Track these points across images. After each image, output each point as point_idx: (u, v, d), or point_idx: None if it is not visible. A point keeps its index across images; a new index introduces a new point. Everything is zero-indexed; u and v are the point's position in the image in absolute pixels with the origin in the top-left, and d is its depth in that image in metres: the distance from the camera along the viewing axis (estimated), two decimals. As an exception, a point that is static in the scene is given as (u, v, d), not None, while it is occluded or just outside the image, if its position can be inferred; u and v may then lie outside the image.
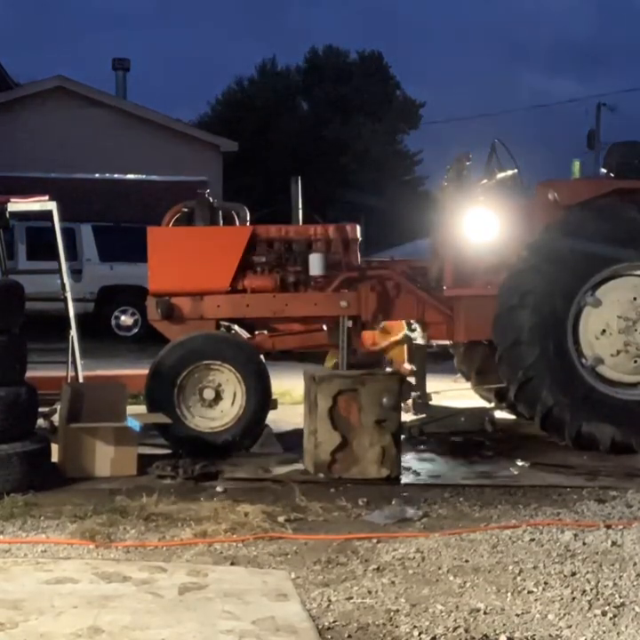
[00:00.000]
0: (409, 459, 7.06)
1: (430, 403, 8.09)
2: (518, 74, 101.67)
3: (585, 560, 4.69)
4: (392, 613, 3.96)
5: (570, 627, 3.82)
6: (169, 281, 7.81)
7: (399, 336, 8.43)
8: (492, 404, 8.93)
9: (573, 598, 4.13)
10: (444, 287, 8.04)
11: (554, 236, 7.57)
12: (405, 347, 8.42)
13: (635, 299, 7.58)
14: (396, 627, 3.82)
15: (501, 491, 6.23)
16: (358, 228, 8.23)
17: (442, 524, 5.42)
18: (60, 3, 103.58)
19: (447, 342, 8.57)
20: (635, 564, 4.63)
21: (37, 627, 3.68)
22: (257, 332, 8.04)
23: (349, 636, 3.75)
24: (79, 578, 4.28)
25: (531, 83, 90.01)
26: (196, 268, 7.78)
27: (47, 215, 8.30)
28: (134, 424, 6.63)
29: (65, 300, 8.28)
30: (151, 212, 9.84)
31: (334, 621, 3.88)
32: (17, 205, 8.24)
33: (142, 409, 7.52)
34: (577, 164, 8.29)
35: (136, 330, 17.20)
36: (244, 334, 7.96)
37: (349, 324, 7.25)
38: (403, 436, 6.92)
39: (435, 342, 8.48)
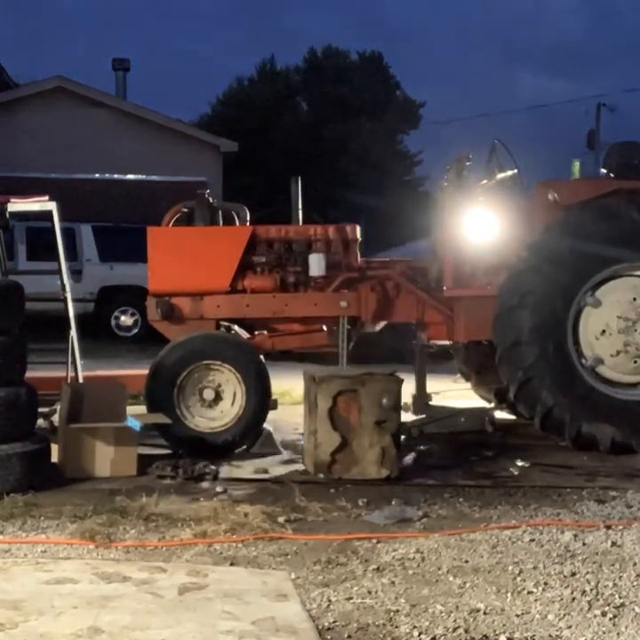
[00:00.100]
0: (409, 459, 7.06)
1: (430, 403, 8.09)
2: (518, 74, 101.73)
3: (585, 560, 4.69)
4: (392, 614, 3.96)
5: (570, 627, 3.82)
6: (169, 281, 7.81)
7: None
8: (492, 404, 8.94)
9: (573, 599, 4.13)
10: (444, 287, 8.04)
11: (554, 236, 7.57)
12: None
13: (635, 299, 7.58)
14: (396, 627, 3.82)
15: (501, 491, 6.23)
16: (358, 228, 8.24)
17: (442, 524, 5.42)
18: (60, 3, 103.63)
19: (447, 343, 8.57)
20: (635, 564, 4.63)
21: (37, 627, 3.68)
22: (257, 332, 8.04)
23: (349, 637, 3.75)
24: (79, 578, 4.28)
25: (531, 83, 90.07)
26: (195, 268, 7.78)
27: (47, 215, 8.30)
28: (134, 424, 6.63)
29: (65, 300, 8.28)
30: (151, 212, 9.83)
31: (334, 621, 3.88)
32: (17, 205, 8.24)
33: (142, 409, 7.52)
34: (577, 164, 8.29)
35: (136, 330, 17.20)
36: (244, 334, 7.96)
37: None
38: (402, 437, 6.92)
39: (434, 342, 8.47)
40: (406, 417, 7.47)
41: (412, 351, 8.29)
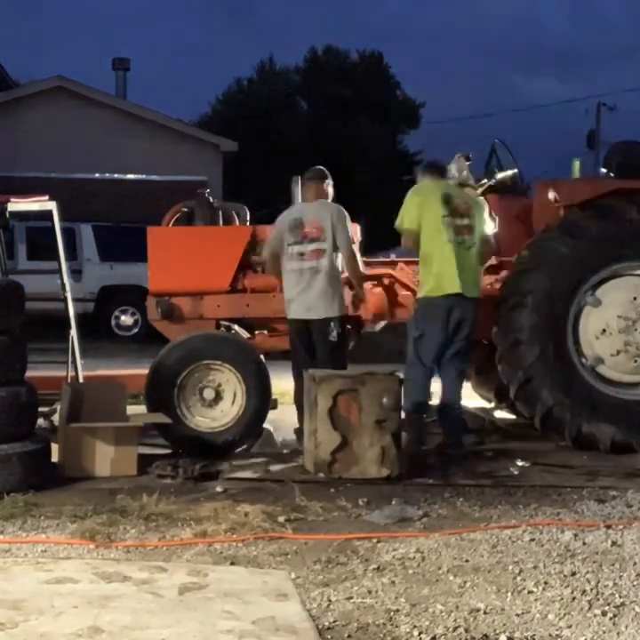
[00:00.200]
0: (409, 458, 7.05)
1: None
2: (518, 74, 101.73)
3: (585, 560, 4.69)
4: (392, 613, 3.96)
5: (570, 626, 3.82)
6: (169, 281, 7.81)
7: None
8: (492, 404, 8.95)
9: (573, 598, 4.13)
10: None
11: (554, 236, 7.57)
12: None
13: (635, 299, 7.58)
14: (396, 626, 3.82)
15: (501, 491, 6.22)
16: (358, 228, 8.23)
17: (442, 523, 5.42)
18: (60, 2, 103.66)
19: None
20: (635, 563, 4.63)
21: (37, 627, 3.68)
22: (257, 332, 8.04)
23: (349, 636, 3.75)
24: (79, 578, 4.28)
25: (531, 83, 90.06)
26: (196, 268, 7.78)
27: (47, 215, 8.29)
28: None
29: (65, 300, 8.28)
30: (151, 212, 9.84)
31: (334, 621, 3.88)
32: (17, 205, 8.24)
33: (142, 409, 7.52)
34: (577, 164, 8.30)
35: (136, 330, 17.22)
36: (244, 334, 7.96)
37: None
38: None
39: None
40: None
41: None
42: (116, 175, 21.28)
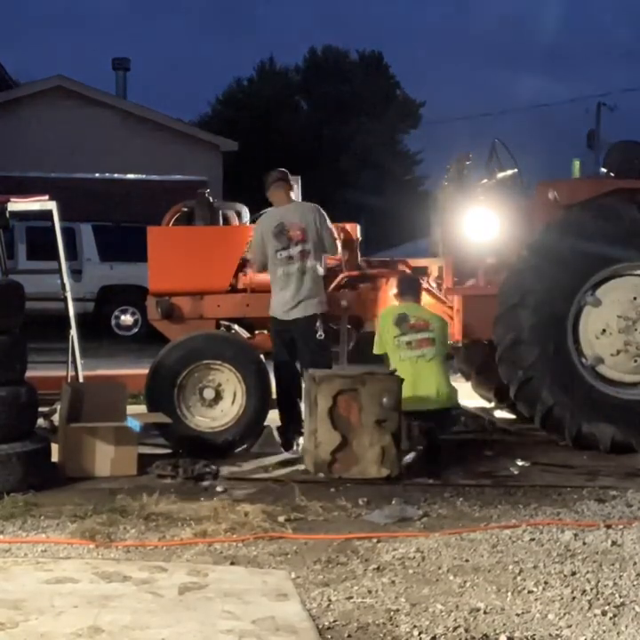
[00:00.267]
0: (409, 459, 7.05)
1: None
2: (518, 74, 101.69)
3: (585, 560, 4.69)
4: (392, 613, 3.96)
5: (570, 626, 3.82)
6: (169, 281, 7.81)
7: None
8: (492, 404, 8.95)
9: (573, 598, 4.13)
10: (444, 287, 8.04)
11: (554, 236, 7.57)
12: None
13: (635, 298, 7.58)
14: (396, 626, 3.82)
15: (501, 491, 6.23)
16: (358, 227, 8.24)
17: (442, 523, 5.42)
18: (60, 2, 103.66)
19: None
20: (635, 563, 4.64)
21: (37, 626, 3.68)
22: (257, 332, 8.04)
23: (349, 636, 3.75)
24: (79, 577, 4.28)
25: (531, 83, 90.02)
26: (196, 268, 7.79)
27: (47, 215, 8.29)
28: (134, 424, 6.63)
29: (65, 299, 8.28)
30: (151, 212, 9.83)
31: (334, 621, 3.88)
32: (17, 205, 8.23)
33: (142, 409, 7.52)
34: (577, 164, 8.29)
35: (136, 330, 17.20)
36: (244, 334, 7.96)
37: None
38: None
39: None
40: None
41: None
42: (116, 175, 21.25)
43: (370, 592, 4.22)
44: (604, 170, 8.31)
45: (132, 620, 3.77)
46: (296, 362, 7.42)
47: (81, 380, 8.07)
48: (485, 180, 8.36)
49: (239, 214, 8.28)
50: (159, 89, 67.72)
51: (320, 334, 7.29)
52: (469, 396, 9.03)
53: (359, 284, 8.01)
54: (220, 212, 8.18)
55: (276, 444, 7.50)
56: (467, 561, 4.68)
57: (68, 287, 8.31)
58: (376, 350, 7.59)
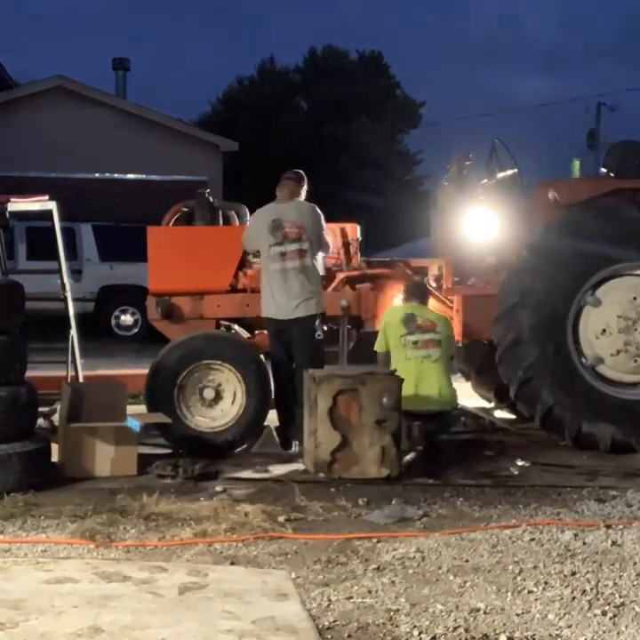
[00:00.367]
0: (409, 459, 7.05)
1: None
2: (518, 74, 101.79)
3: (585, 560, 4.69)
4: (392, 613, 3.96)
5: (570, 626, 3.82)
6: (169, 281, 7.81)
7: None
8: (492, 404, 8.95)
9: (573, 598, 4.13)
10: (445, 287, 8.04)
11: (554, 236, 7.57)
12: None
13: (635, 298, 7.58)
14: (396, 626, 3.82)
15: (501, 491, 6.23)
16: (358, 227, 8.24)
17: (442, 523, 5.42)
18: (60, 2, 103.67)
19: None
20: (635, 563, 4.64)
21: (37, 626, 3.69)
22: (257, 332, 8.04)
23: (349, 636, 3.75)
24: (79, 577, 4.29)
25: (531, 82, 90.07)
26: (196, 268, 7.79)
27: (47, 215, 8.29)
28: (134, 424, 6.63)
29: (65, 299, 8.28)
30: (151, 212, 9.83)
31: (334, 621, 3.88)
32: (17, 205, 8.23)
33: (142, 409, 7.52)
34: (577, 164, 8.29)
35: (136, 330, 17.20)
36: (244, 334, 7.96)
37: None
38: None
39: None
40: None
41: None
42: (116, 175, 21.25)
43: (370, 592, 4.22)
44: (603, 170, 8.31)
45: (131, 620, 3.77)
46: (293, 362, 7.41)
47: (81, 379, 8.07)
48: (485, 180, 8.36)
49: (239, 214, 8.28)
50: (159, 89, 67.80)
51: (319, 334, 7.29)
52: (469, 396, 9.03)
53: (359, 284, 8.01)
54: (220, 211, 8.18)
55: (276, 444, 7.50)
56: (467, 561, 4.68)
57: (68, 287, 8.31)
58: (377, 347, 7.58)
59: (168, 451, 7.20)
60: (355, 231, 8.17)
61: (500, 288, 7.68)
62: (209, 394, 7.34)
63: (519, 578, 4.41)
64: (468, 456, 7.25)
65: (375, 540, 5.02)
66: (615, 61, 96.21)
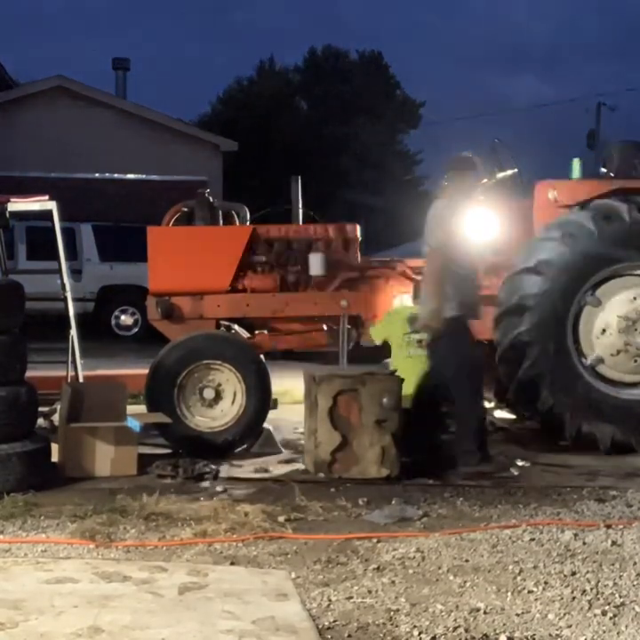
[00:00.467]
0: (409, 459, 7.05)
1: None
2: (518, 73, 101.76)
3: (585, 560, 4.69)
4: (392, 613, 3.96)
5: (570, 626, 3.83)
6: (169, 281, 7.81)
7: None
8: (492, 404, 8.94)
9: (573, 598, 4.14)
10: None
11: (554, 236, 7.56)
12: None
13: (635, 298, 7.58)
14: (396, 626, 3.82)
15: (501, 491, 6.23)
16: (358, 227, 8.24)
17: (442, 523, 5.42)
18: (60, 2, 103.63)
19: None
20: (635, 563, 4.64)
21: (37, 626, 3.68)
22: (257, 332, 8.04)
23: (349, 636, 3.75)
24: (79, 577, 4.29)
25: (531, 82, 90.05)
26: (196, 268, 7.78)
27: (47, 215, 8.29)
28: (134, 424, 6.63)
29: (65, 299, 8.28)
30: (151, 212, 9.84)
31: (334, 621, 3.88)
32: (17, 205, 8.23)
33: (142, 409, 7.52)
34: (577, 164, 8.29)
35: (136, 330, 17.20)
36: (244, 334, 7.96)
37: None
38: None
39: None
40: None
41: None
42: (116, 175, 21.26)
43: (370, 592, 4.22)
44: (604, 170, 8.31)
45: (132, 620, 3.77)
46: None
47: (81, 380, 8.07)
48: (485, 180, 8.35)
49: (239, 214, 8.28)
50: (159, 89, 67.80)
51: None
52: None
53: (359, 284, 8.01)
54: (220, 211, 8.18)
55: (276, 444, 7.50)
56: (467, 561, 4.68)
57: (68, 287, 8.31)
58: (375, 335, 7.52)
59: (168, 451, 7.19)
60: (355, 231, 8.17)
61: (500, 288, 7.68)
62: (209, 394, 7.34)
63: (519, 578, 4.41)
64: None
65: (375, 540, 5.02)
66: (615, 61, 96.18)
